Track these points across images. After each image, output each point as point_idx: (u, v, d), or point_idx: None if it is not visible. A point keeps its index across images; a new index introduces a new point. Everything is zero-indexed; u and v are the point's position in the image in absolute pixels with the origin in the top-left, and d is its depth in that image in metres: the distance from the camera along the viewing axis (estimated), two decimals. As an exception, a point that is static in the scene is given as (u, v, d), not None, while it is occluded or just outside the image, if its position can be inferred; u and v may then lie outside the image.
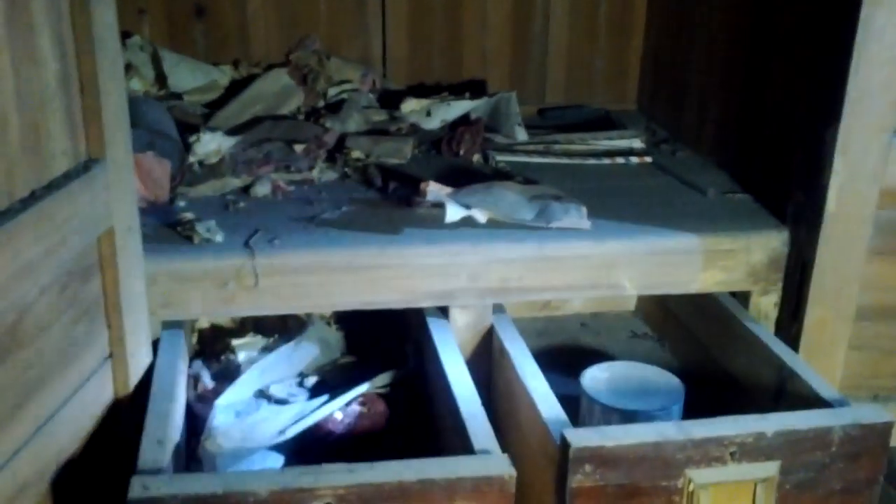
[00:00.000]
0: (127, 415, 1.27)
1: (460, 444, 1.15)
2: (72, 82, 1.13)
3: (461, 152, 1.92)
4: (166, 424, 1.15)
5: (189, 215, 1.46)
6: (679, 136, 2.06)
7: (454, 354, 1.35)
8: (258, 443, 1.22)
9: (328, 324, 1.62)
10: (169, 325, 1.38)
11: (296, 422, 1.27)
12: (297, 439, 1.26)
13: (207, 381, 1.37)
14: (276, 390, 1.37)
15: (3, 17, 0.98)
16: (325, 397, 1.35)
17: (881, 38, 1.30)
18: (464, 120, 2.04)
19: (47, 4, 1.07)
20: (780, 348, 1.38)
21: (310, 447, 1.26)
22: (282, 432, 1.25)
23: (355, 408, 1.32)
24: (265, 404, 1.35)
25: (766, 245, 1.50)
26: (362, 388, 1.34)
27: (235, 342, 1.53)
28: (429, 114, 2.05)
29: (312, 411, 1.29)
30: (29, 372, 1.04)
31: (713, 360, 1.57)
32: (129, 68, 2.02)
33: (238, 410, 1.31)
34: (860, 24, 1.30)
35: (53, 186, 1.07)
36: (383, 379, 1.40)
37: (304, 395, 1.39)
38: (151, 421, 1.15)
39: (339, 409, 1.30)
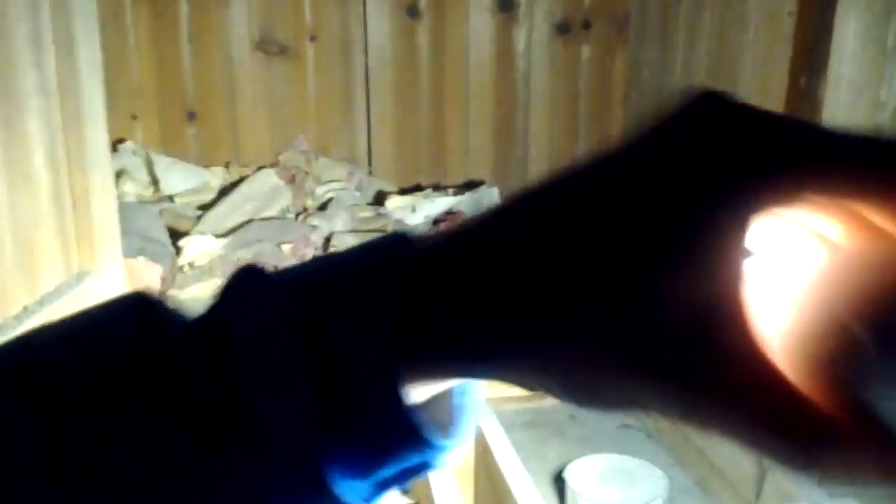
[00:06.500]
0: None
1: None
2: (64, 198, 1.18)
3: (445, 247, 1.96)
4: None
5: (177, 319, 1.49)
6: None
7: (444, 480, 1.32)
8: None
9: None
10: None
11: None
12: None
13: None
14: None
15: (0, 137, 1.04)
16: None
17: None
18: (447, 215, 2.10)
19: (41, 124, 1.13)
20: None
21: None
22: None
23: None
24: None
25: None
26: None
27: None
28: (413, 210, 2.11)
29: None
30: None
31: (698, 450, 1.57)
32: (122, 173, 2.08)
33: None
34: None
35: (45, 301, 1.11)
36: None
37: None
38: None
39: None
